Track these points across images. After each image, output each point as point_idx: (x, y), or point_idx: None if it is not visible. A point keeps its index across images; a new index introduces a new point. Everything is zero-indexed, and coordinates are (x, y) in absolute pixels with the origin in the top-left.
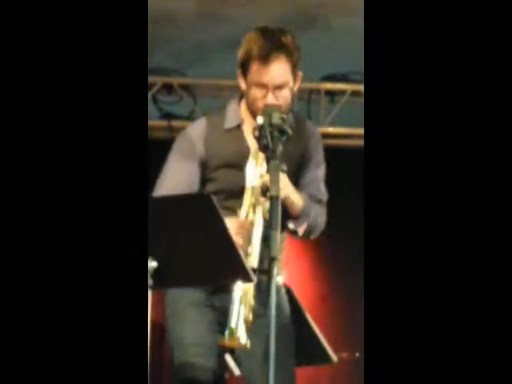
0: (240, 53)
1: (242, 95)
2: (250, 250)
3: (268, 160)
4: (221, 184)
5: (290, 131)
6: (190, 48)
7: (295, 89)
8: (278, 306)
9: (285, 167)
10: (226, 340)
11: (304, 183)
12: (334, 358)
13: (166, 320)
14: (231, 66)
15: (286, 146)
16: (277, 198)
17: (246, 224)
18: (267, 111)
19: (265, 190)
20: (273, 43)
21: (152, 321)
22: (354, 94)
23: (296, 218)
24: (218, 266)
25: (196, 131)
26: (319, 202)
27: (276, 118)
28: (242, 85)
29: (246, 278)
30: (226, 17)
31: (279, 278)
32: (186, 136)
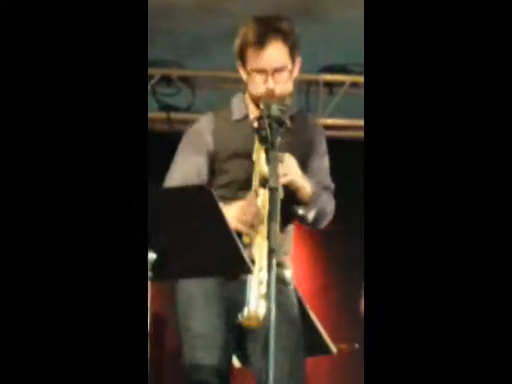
0: (236, 42)
1: (243, 89)
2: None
3: (267, 151)
4: (232, 175)
5: (288, 122)
6: (188, 40)
7: (294, 74)
8: (288, 300)
9: (283, 158)
10: (245, 319)
11: (311, 172)
12: (334, 349)
13: (176, 309)
14: (230, 58)
15: (291, 137)
16: (276, 189)
17: (253, 201)
18: (266, 103)
19: (264, 182)
20: (268, 28)
21: (151, 313)
22: (353, 85)
23: (305, 204)
24: (217, 258)
25: (204, 124)
26: (327, 189)
27: (274, 110)
28: (243, 74)
29: (246, 271)
30: (224, 9)
31: (287, 272)
32: (194, 129)
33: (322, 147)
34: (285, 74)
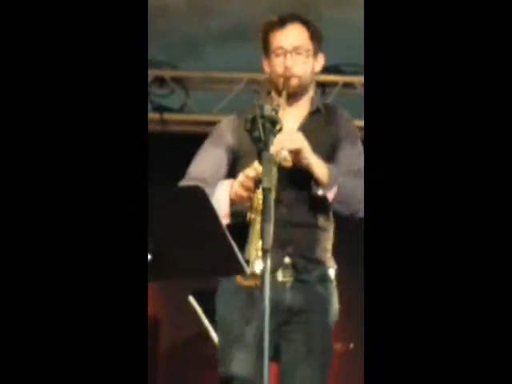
0: (260, 34)
1: (269, 92)
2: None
3: (260, 152)
4: None
5: (282, 122)
6: (181, 41)
7: (317, 68)
8: (326, 301)
9: (284, 155)
10: (244, 279)
11: (337, 159)
12: None
13: (217, 307)
14: (223, 59)
15: (318, 133)
16: (269, 189)
17: (249, 175)
18: (259, 104)
19: (258, 182)
20: (290, 15)
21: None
22: (346, 85)
23: (323, 186)
24: (211, 258)
25: (226, 122)
26: (355, 174)
27: (268, 110)
28: (267, 69)
29: (240, 271)
30: (217, 10)
31: (331, 271)
32: (217, 127)
33: (352, 135)
34: (303, 57)
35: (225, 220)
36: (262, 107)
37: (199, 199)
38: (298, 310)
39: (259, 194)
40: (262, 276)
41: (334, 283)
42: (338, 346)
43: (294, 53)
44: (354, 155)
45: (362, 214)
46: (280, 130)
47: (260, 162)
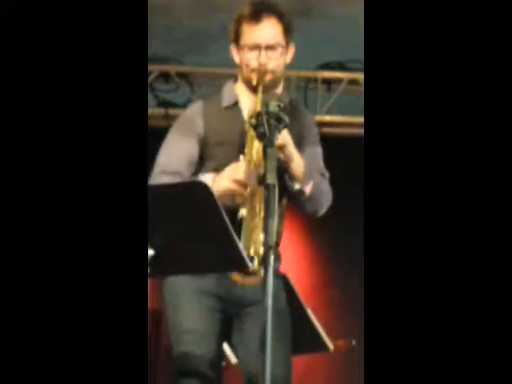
0: (231, 24)
1: (236, 78)
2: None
3: (265, 148)
4: (220, 161)
5: (287, 119)
6: (187, 36)
7: (287, 60)
8: (275, 293)
9: (282, 155)
10: (243, 277)
11: (304, 158)
12: (331, 346)
13: (165, 307)
14: (228, 55)
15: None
16: (273, 186)
17: (245, 162)
18: (265, 100)
19: (261, 179)
20: (263, 6)
21: (148, 309)
22: (351, 82)
23: (299, 181)
24: (215, 254)
25: (194, 111)
26: (322, 175)
27: (273, 106)
28: (236, 58)
29: (243, 267)
30: (222, 5)
31: (275, 265)
32: (184, 116)
33: (314, 135)
34: (278, 53)
35: None
36: (267, 104)
37: (203, 194)
38: (248, 302)
39: (256, 189)
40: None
41: (280, 278)
42: (340, 343)
43: (269, 48)
44: (317, 155)
45: (319, 215)
46: (285, 127)
47: (264, 158)
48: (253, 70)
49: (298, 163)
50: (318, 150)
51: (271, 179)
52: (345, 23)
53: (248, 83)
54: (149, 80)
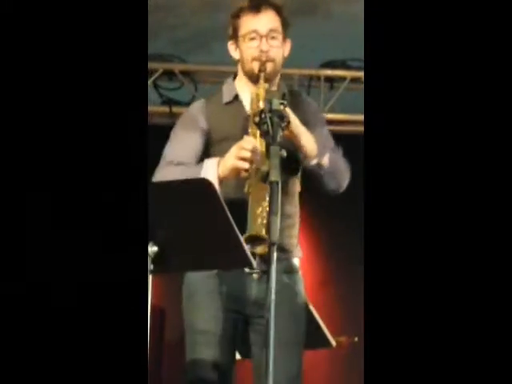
0: (230, 18)
1: (235, 74)
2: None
3: (268, 146)
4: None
5: (289, 116)
6: (191, 34)
7: (285, 54)
8: (292, 289)
9: (284, 153)
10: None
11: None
12: (333, 342)
13: (182, 306)
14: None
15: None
16: (277, 183)
17: (250, 139)
18: (267, 97)
19: (265, 176)
20: (261, 1)
21: (152, 305)
22: (354, 80)
23: (313, 156)
24: (218, 251)
25: (196, 109)
26: (336, 152)
27: (276, 104)
28: (234, 54)
29: (247, 264)
30: (226, 4)
31: (295, 260)
32: (187, 113)
33: (319, 118)
34: (278, 41)
35: None
36: (270, 101)
37: (207, 191)
38: (264, 302)
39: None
40: (268, 269)
41: (300, 272)
42: (342, 339)
43: (269, 37)
44: (326, 134)
45: (342, 190)
46: (288, 124)
47: (268, 155)
48: (254, 59)
49: (307, 138)
50: (326, 131)
51: (274, 177)
52: (347, 22)
53: (249, 75)
54: (153, 78)
